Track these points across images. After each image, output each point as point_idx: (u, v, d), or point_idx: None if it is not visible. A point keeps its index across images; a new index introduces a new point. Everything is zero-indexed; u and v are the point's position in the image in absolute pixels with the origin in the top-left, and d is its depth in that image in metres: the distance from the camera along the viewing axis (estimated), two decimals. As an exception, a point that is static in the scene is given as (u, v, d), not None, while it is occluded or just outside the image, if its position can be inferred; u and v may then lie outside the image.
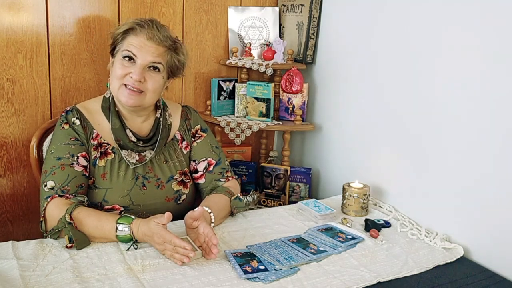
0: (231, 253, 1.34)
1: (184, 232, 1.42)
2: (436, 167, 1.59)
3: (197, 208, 1.43)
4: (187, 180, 1.63)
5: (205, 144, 1.68)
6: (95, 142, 1.52)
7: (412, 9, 1.66)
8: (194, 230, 1.36)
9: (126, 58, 1.47)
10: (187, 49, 1.62)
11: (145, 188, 1.53)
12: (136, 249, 1.34)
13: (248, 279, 1.24)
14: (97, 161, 1.51)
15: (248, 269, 1.27)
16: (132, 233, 1.34)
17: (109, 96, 1.56)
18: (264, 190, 2.21)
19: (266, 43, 2.24)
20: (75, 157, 1.47)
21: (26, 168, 1.91)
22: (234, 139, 2.15)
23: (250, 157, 2.37)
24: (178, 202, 1.60)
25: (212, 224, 1.45)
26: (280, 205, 2.14)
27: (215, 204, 1.51)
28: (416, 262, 1.38)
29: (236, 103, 2.21)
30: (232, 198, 1.60)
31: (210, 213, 1.45)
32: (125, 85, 1.47)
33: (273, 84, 2.13)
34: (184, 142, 1.66)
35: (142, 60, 1.47)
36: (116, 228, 1.34)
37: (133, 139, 1.54)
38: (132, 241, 1.35)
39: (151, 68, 1.49)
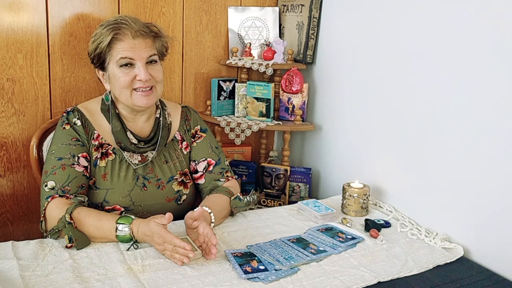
0: (231, 253, 1.34)
1: (184, 232, 1.42)
2: (436, 167, 1.59)
3: (197, 208, 1.43)
4: (188, 181, 1.63)
5: (205, 145, 1.68)
6: (96, 143, 1.52)
7: (412, 9, 1.66)
8: (194, 230, 1.36)
9: (124, 66, 1.47)
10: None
11: (145, 188, 1.54)
12: (136, 249, 1.34)
13: (248, 279, 1.24)
14: (98, 161, 1.51)
15: (248, 269, 1.27)
16: (132, 233, 1.34)
17: (108, 99, 1.56)
18: (264, 190, 2.21)
19: (266, 43, 2.24)
20: (76, 158, 1.47)
21: (26, 168, 1.91)
22: (234, 139, 2.15)
23: (250, 157, 2.37)
24: (179, 202, 1.60)
25: (212, 224, 1.45)
26: (280, 205, 2.14)
27: (215, 204, 1.51)
28: (416, 262, 1.38)
29: (236, 103, 2.21)
30: (232, 198, 1.60)
31: (210, 213, 1.45)
32: (135, 89, 1.48)
33: (273, 84, 2.13)
34: (184, 143, 1.66)
35: (140, 59, 1.47)
36: (116, 228, 1.34)
37: (134, 141, 1.54)
38: (132, 241, 1.35)
39: (150, 62, 1.50)
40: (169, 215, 1.28)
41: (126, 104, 1.52)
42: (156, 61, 1.52)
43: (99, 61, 1.52)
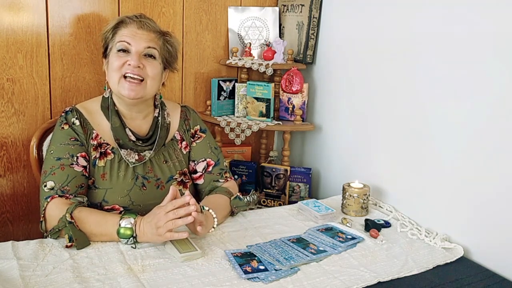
0: (231, 253, 1.34)
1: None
2: (436, 167, 1.59)
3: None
4: (187, 180, 1.63)
5: (204, 145, 1.68)
6: (95, 142, 1.52)
7: (412, 9, 1.66)
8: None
9: (121, 51, 1.48)
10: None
11: (145, 188, 1.53)
12: (134, 248, 1.34)
13: (248, 279, 1.24)
14: (97, 161, 1.51)
15: (248, 269, 1.27)
16: (135, 226, 1.33)
17: (108, 96, 1.56)
18: (264, 190, 2.21)
19: (266, 43, 2.24)
20: (75, 158, 1.47)
21: (26, 168, 1.91)
22: (234, 139, 2.15)
23: (250, 157, 2.37)
24: (178, 202, 1.60)
25: (215, 222, 1.46)
26: (280, 205, 2.14)
27: (215, 204, 1.51)
28: (416, 262, 1.38)
29: (236, 103, 2.21)
30: (232, 197, 1.60)
31: (214, 218, 1.46)
32: (125, 77, 1.47)
33: (273, 84, 2.13)
34: (184, 142, 1.66)
35: (136, 47, 1.48)
36: (120, 219, 1.34)
37: (133, 138, 1.54)
38: (132, 236, 1.34)
39: (147, 55, 1.50)
40: (173, 189, 1.35)
41: (113, 90, 1.52)
42: (154, 57, 1.52)
43: (103, 46, 1.54)
